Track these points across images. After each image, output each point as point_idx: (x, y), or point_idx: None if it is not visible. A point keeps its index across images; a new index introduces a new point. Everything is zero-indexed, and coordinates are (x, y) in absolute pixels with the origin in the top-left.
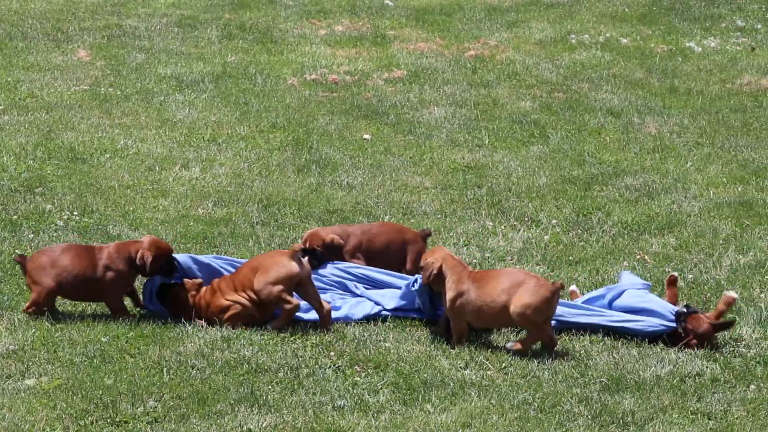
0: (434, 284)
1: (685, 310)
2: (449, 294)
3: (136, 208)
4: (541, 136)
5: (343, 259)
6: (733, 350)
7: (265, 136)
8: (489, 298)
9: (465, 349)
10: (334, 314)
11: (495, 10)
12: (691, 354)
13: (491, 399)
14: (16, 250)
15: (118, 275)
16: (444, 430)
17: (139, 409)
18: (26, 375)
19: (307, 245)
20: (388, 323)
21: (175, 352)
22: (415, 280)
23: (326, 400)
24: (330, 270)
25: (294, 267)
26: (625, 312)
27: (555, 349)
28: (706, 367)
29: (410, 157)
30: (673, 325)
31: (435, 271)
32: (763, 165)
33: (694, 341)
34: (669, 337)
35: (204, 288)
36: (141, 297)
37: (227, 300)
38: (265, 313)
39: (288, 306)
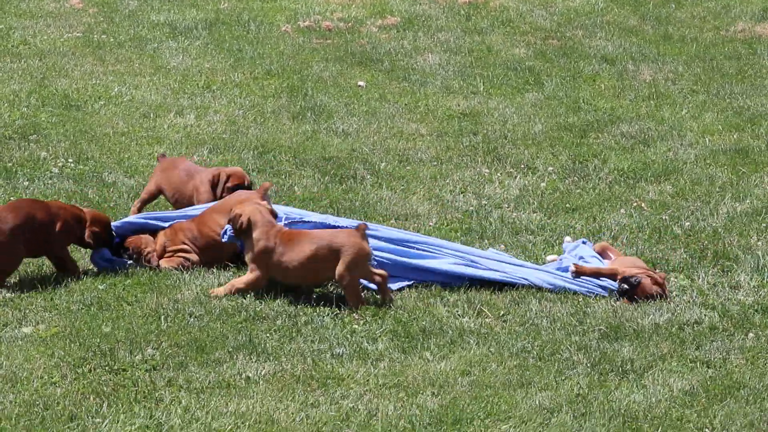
0: (242, 237)
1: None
2: (256, 247)
3: (131, 155)
4: (536, 83)
5: None
6: (731, 298)
7: (260, 83)
8: (299, 257)
9: (463, 296)
10: None
11: None
12: (689, 302)
13: (490, 347)
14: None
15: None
16: (443, 378)
17: (137, 356)
18: (23, 323)
19: (236, 183)
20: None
21: (172, 299)
22: (225, 232)
23: (325, 347)
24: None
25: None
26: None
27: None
28: (705, 315)
29: (405, 104)
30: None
31: (244, 225)
32: (759, 112)
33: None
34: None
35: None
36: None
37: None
38: (207, 258)
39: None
